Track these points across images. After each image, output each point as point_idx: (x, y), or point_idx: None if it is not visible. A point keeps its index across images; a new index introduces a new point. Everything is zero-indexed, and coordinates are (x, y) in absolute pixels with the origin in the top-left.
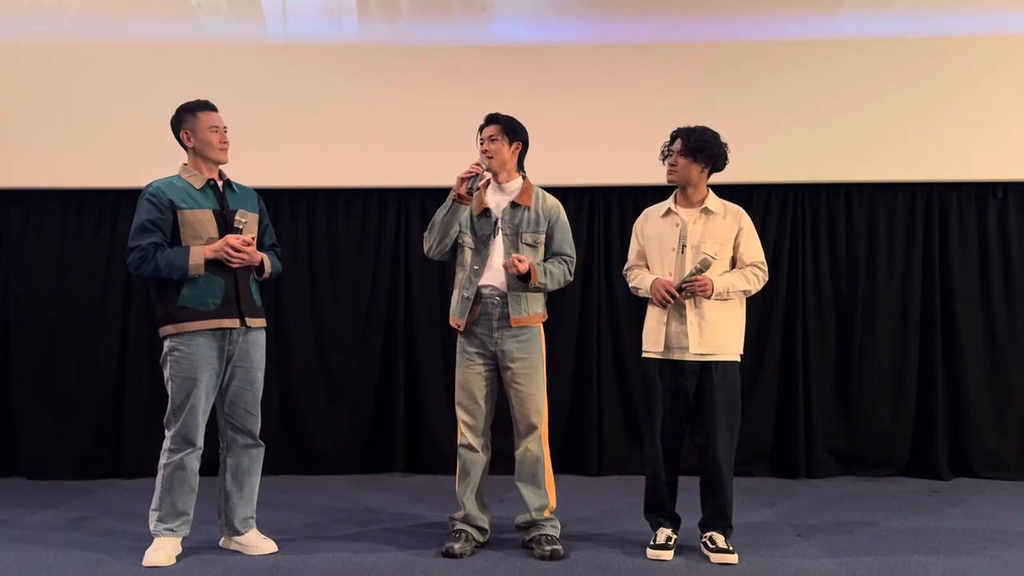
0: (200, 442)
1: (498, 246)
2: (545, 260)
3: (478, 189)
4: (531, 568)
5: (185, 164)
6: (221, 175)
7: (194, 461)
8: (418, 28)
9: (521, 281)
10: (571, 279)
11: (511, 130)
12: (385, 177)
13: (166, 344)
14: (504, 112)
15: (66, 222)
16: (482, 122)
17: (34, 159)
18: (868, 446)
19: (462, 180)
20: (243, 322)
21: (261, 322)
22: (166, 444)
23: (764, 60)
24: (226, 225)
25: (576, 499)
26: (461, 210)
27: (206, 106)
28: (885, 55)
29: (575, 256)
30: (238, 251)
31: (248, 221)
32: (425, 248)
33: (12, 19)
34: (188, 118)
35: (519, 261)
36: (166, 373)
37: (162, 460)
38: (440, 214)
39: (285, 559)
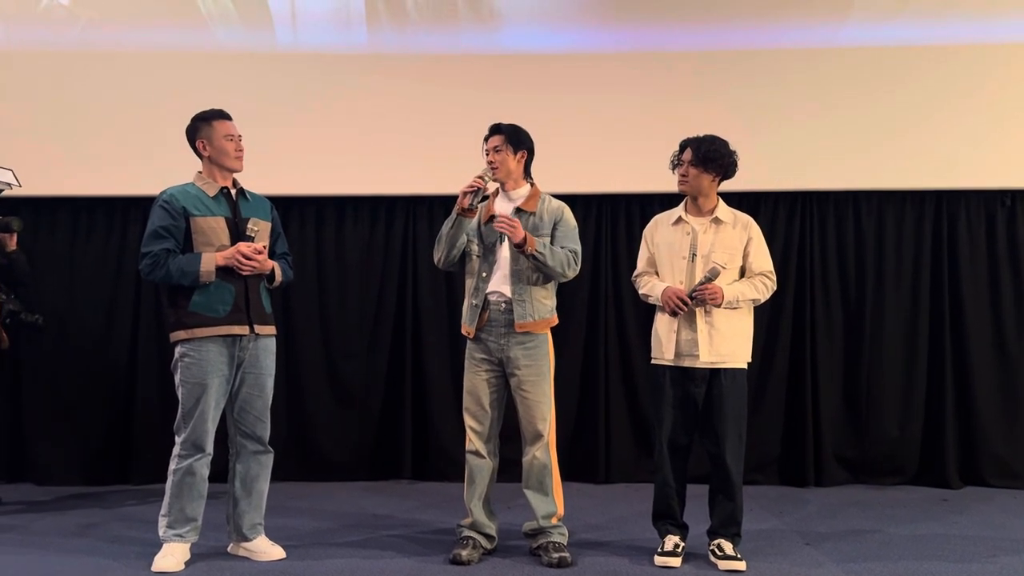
0: (210, 448)
1: (504, 252)
2: None
3: (485, 200)
4: (538, 575)
5: (200, 172)
6: (235, 183)
7: (203, 467)
8: (426, 37)
9: (517, 248)
10: (577, 270)
11: (515, 139)
12: (393, 185)
13: (177, 350)
14: (512, 120)
15: (76, 229)
16: (487, 132)
17: (45, 167)
18: (877, 454)
19: (464, 194)
20: (252, 329)
21: (271, 329)
22: (176, 450)
23: (772, 68)
24: (238, 233)
25: (584, 506)
26: (465, 223)
27: (221, 115)
28: (893, 63)
29: (580, 252)
30: (249, 259)
31: (260, 229)
32: (435, 259)
33: (25, 29)
34: (203, 127)
35: (512, 225)
36: (177, 379)
37: (172, 466)
38: (446, 227)
39: (293, 565)
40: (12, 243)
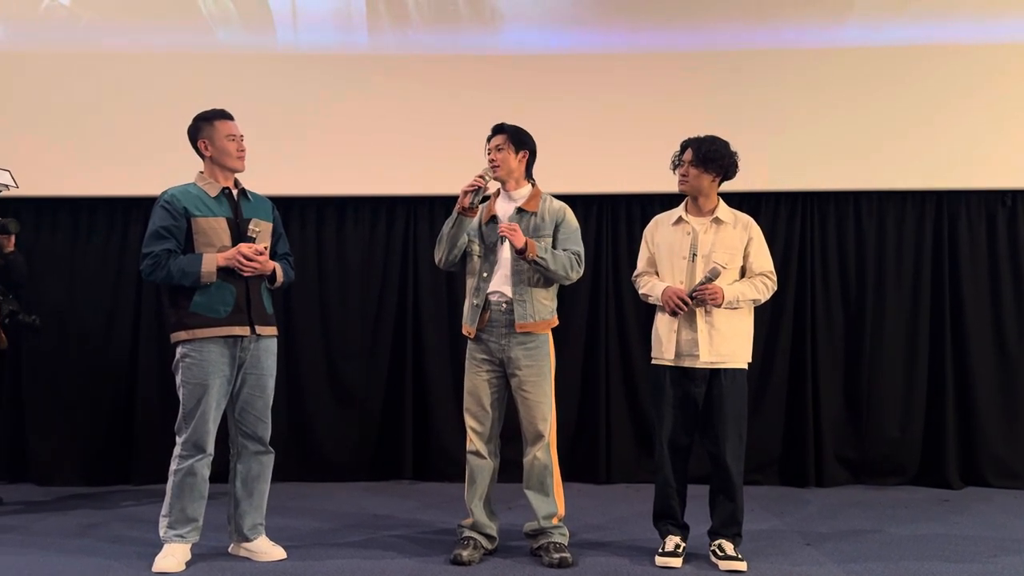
0: (211, 448)
1: (505, 253)
2: None
3: (485, 200)
4: (539, 575)
5: (201, 172)
6: (236, 183)
7: (204, 467)
8: (427, 37)
9: (518, 254)
10: (580, 272)
11: (517, 139)
12: (394, 185)
13: (178, 350)
14: (513, 121)
15: (77, 229)
16: (490, 132)
17: (45, 167)
18: (878, 454)
19: (465, 193)
20: (253, 330)
21: (272, 330)
22: (177, 450)
23: (773, 68)
24: (239, 233)
25: (584, 507)
26: (466, 223)
27: (223, 115)
28: (894, 63)
29: (583, 253)
30: (250, 260)
31: (261, 230)
32: (436, 259)
33: (26, 29)
34: (205, 127)
35: (512, 230)
36: (178, 379)
37: (172, 466)
38: (446, 227)
39: (294, 565)
40: (10, 245)
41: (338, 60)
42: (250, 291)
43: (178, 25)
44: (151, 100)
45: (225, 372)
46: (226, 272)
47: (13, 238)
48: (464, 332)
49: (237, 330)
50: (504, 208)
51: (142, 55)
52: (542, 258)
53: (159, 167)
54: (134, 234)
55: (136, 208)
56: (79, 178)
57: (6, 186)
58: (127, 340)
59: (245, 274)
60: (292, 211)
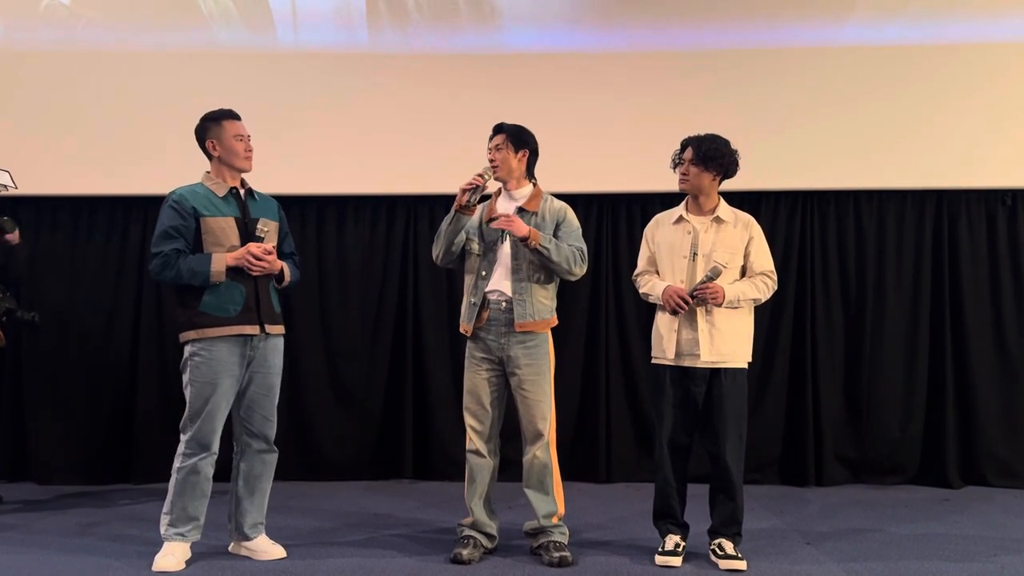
0: (215, 447)
1: (505, 251)
2: None
3: (485, 200)
4: (539, 574)
5: (208, 172)
6: (243, 183)
7: (208, 466)
8: (428, 36)
9: (522, 242)
10: (584, 268)
11: (517, 139)
12: (394, 184)
13: (187, 349)
14: (513, 120)
15: (77, 229)
16: (490, 132)
17: (45, 167)
18: (878, 454)
19: (463, 191)
20: (263, 329)
21: (280, 329)
22: (181, 448)
23: (773, 68)
24: (247, 233)
25: (584, 506)
26: (463, 220)
27: (230, 115)
28: (894, 62)
29: (586, 251)
30: (259, 259)
31: (269, 230)
32: (433, 256)
33: (26, 29)
34: (213, 127)
35: (509, 221)
36: (185, 378)
37: (176, 464)
38: (445, 224)
39: (294, 564)
40: (15, 239)
41: (338, 59)
42: (259, 290)
43: (178, 25)
44: (151, 100)
45: (235, 371)
46: (235, 271)
47: (18, 232)
48: (461, 330)
49: (247, 329)
50: (505, 207)
51: (142, 55)
52: (545, 247)
53: (159, 167)
54: (134, 234)
55: (136, 208)
56: (79, 178)
57: (5, 186)
58: (127, 340)
59: (254, 273)
60: (292, 210)
